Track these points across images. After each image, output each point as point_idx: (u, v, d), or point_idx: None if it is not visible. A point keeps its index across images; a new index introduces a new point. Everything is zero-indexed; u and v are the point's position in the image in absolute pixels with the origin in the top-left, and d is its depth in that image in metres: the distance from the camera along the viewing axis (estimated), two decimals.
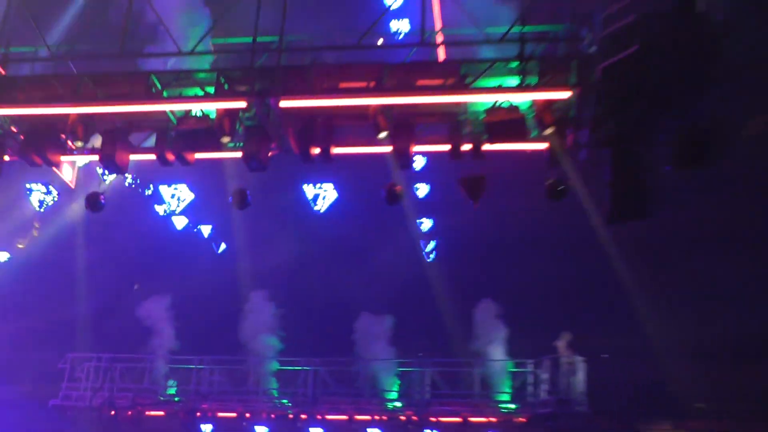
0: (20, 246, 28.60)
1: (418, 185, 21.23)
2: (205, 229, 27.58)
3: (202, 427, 28.67)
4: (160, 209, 25.83)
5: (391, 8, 17.21)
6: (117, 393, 28.71)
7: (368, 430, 27.93)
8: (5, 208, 22.29)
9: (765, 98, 14.76)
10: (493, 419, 27.45)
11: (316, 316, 29.46)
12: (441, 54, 15.37)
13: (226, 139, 14.54)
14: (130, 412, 28.55)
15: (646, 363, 29.94)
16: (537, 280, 29.37)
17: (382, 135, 14.36)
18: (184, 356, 29.34)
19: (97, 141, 15.20)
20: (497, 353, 27.90)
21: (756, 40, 12.11)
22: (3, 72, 14.92)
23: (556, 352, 27.02)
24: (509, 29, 13.91)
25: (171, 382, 29.16)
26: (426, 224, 26.47)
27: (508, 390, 27.73)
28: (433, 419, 27.63)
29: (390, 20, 17.95)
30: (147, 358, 29.21)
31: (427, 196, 21.51)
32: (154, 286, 30.40)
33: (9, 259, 27.35)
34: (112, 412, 28.39)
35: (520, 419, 27.31)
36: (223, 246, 28.66)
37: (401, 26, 18.16)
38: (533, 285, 29.30)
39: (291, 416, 28.27)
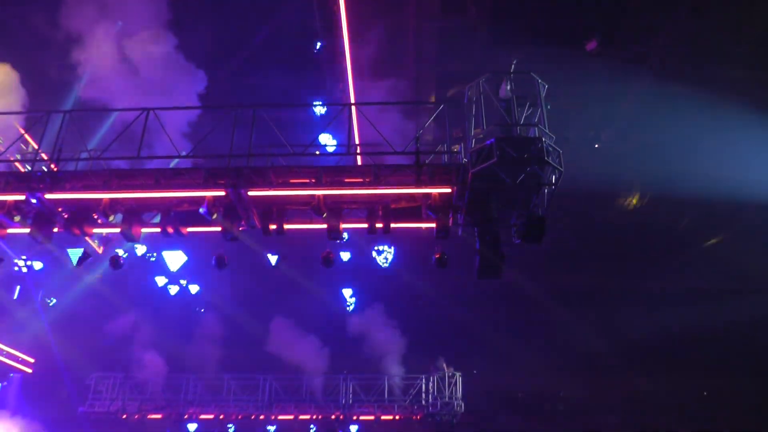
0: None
1: (342, 253, 21.35)
2: (193, 289, 27.28)
3: (189, 426, 28.26)
4: (159, 281, 25.63)
5: (325, 128, 17.49)
6: (127, 401, 28.10)
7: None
8: (52, 266, 21.74)
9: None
10: (397, 417, 27.41)
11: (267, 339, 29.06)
12: (359, 160, 15.59)
13: (214, 216, 14.34)
14: (136, 416, 27.99)
15: (503, 377, 30.36)
16: (430, 319, 29.54)
17: (324, 215, 14.26)
18: (175, 373, 28.83)
19: (118, 218, 15.06)
20: (399, 370, 27.99)
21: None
22: (55, 168, 14.73)
23: (442, 369, 27.21)
24: (408, 145, 14.19)
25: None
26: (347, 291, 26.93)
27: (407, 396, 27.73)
28: (354, 417, 27.52)
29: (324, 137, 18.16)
30: (148, 376, 28.61)
31: (349, 260, 21.55)
32: (153, 325, 29.95)
33: (54, 303, 26.72)
34: (124, 416, 27.74)
35: (416, 417, 27.33)
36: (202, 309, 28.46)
37: (332, 142, 18.39)
38: (427, 322, 29.45)
39: (253, 417, 27.90)
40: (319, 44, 21.89)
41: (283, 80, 23.24)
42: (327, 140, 18.22)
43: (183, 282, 26.84)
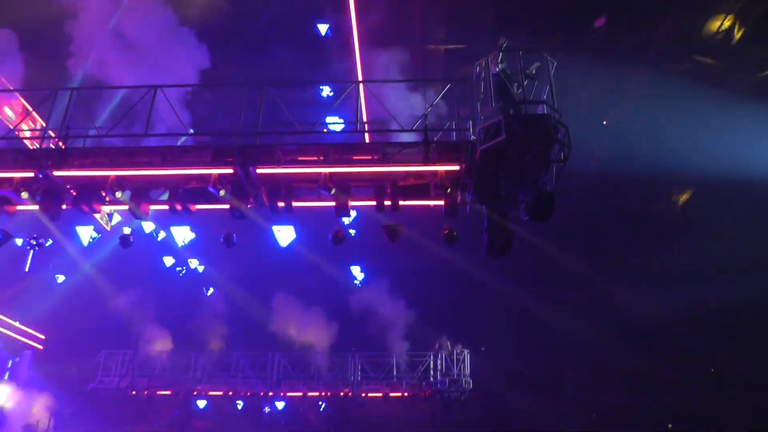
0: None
1: (351, 230, 21.40)
2: (200, 269, 27.40)
3: (198, 402, 28.55)
4: (167, 261, 25.69)
5: (333, 106, 17.42)
6: (136, 379, 28.32)
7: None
8: (61, 243, 21.83)
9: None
10: (405, 393, 27.55)
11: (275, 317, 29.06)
12: (367, 138, 15.50)
13: (222, 192, 14.36)
14: (146, 392, 28.19)
15: (511, 355, 30.42)
16: (437, 296, 29.56)
17: (332, 193, 14.22)
18: (183, 351, 29.02)
19: (127, 195, 15.07)
20: (407, 347, 28.08)
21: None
22: (63, 146, 14.76)
23: (450, 346, 27.33)
24: (417, 123, 14.15)
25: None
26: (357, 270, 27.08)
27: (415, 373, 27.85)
28: (363, 395, 27.66)
29: (332, 115, 18.14)
30: (157, 353, 28.77)
31: (356, 235, 21.65)
32: (162, 302, 30.00)
33: (63, 280, 26.93)
34: (133, 393, 27.98)
35: (424, 394, 27.46)
36: (211, 290, 28.49)
37: (341, 120, 18.39)
38: (435, 299, 29.46)
39: (262, 393, 28.07)
40: (325, 23, 21.78)
41: (289, 58, 23.14)
42: (334, 121, 18.18)
43: (192, 263, 26.87)
